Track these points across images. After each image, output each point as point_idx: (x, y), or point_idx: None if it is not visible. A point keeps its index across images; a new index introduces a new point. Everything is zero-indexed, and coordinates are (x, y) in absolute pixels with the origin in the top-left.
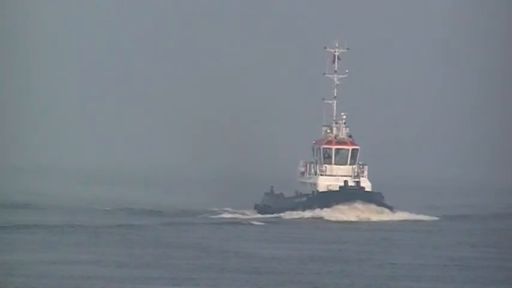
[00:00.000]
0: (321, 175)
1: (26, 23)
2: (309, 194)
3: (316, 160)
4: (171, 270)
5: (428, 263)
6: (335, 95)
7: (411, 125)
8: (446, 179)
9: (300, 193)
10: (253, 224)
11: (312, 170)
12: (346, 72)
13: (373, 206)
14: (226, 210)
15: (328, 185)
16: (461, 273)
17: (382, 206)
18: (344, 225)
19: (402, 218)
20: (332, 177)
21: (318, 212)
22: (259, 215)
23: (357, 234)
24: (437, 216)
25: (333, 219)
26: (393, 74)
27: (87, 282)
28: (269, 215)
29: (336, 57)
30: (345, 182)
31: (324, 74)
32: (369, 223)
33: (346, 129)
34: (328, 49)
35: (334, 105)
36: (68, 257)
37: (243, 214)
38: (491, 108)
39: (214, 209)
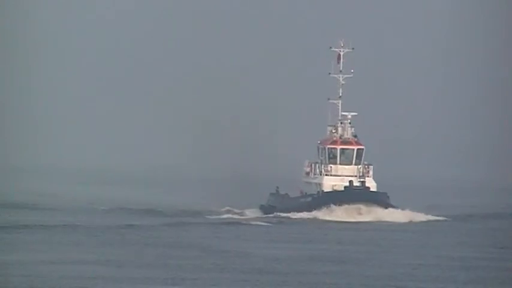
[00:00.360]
0: (326, 175)
1: (26, 23)
2: (314, 194)
3: (321, 160)
4: (171, 270)
5: (428, 263)
6: (340, 94)
7: (411, 125)
8: (446, 179)
9: (305, 193)
10: (254, 224)
11: (317, 170)
12: (352, 72)
13: (377, 206)
14: (228, 210)
15: (333, 185)
16: (461, 273)
17: (388, 206)
18: (347, 226)
19: (409, 219)
20: (337, 177)
21: (322, 212)
22: (261, 215)
23: (358, 234)
24: (446, 217)
25: (337, 219)
26: (393, 74)
27: (87, 282)
28: (271, 215)
29: (341, 56)
30: (350, 182)
31: (329, 73)
32: (371, 223)
33: (351, 129)
34: (333, 49)
35: (339, 105)
36: (68, 257)
37: (244, 215)
38: (491, 108)
39: (215, 209)
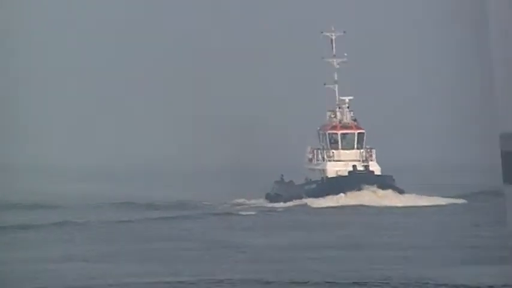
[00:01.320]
0: (329, 161)
1: (26, 23)
2: (318, 181)
3: (323, 146)
4: (169, 262)
5: (435, 245)
6: (336, 79)
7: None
8: (436, 159)
9: (310, 180)
10: (251, 214)
11: (320, 156)
12: (345, 56)
13: (381, 190)
14: (226, 203)
15: (337, 171)
16: (467, 253)
17: (394, 189)
18: (353, 210)
19: (424, 203)
20: (340, 163)
21: (324, 199)
22: (267, 204)
23: (361, 218)
24: (464, 199)
25: (343, 204)
26: (384, 60)
27: (87, 282)
28: (276, 204)
29: (333, 40)
30: (354, 166)
31: (322, 58)
32: (375, 208)
33: (350, 113)
34: (324, 33)
35: (336, 89)
36: (67, 256)
37: (248, 204)
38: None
39: (215, 200)
